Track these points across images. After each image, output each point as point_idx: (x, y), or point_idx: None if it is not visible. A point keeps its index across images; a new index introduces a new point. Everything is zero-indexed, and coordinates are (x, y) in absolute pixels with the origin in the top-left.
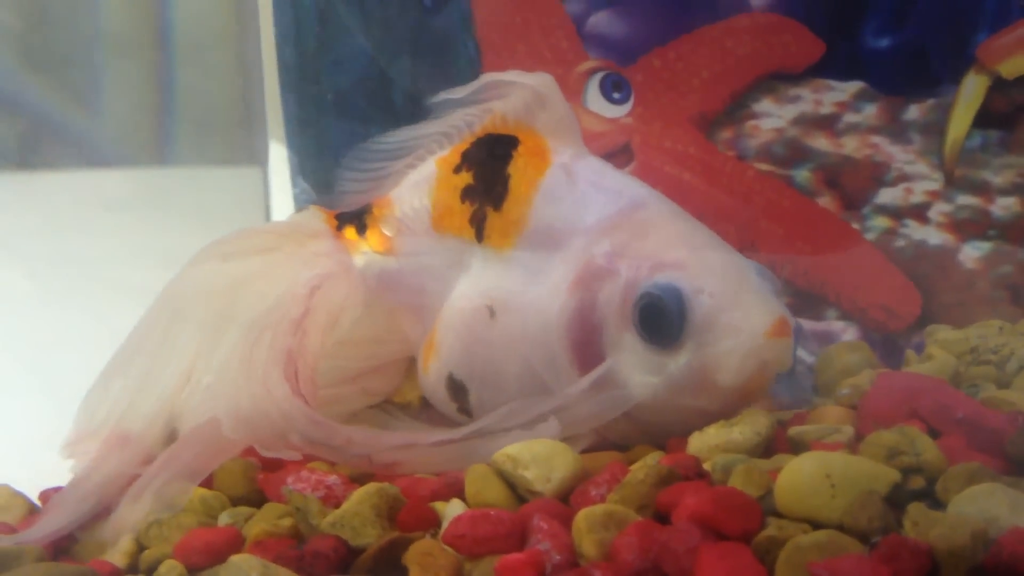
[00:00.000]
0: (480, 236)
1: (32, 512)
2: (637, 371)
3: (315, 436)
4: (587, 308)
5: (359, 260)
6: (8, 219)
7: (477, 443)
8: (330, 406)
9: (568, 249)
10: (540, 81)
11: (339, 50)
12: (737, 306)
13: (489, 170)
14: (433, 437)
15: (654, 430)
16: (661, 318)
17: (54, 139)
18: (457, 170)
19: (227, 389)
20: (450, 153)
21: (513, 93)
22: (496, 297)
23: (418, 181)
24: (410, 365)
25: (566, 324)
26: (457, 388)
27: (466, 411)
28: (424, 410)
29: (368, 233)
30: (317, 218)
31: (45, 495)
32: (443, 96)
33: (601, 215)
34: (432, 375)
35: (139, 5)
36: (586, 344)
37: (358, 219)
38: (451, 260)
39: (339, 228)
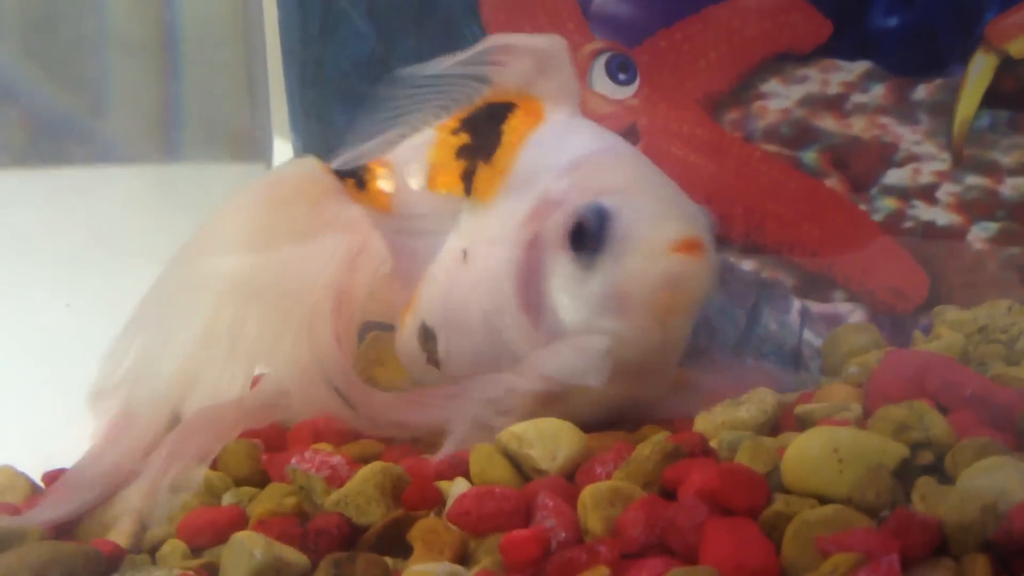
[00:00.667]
0: (469, 189)
1: (35, 493)
2: (565, 293)
3: (341, 385)
4: (534, 240)
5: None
6: (19, 215)
7: (465, 431)
8: None
9: (536, 190)
10: (548, 43)
11: (342, 33)
12: (651, 222)
13: (484, 129)
14: (415, 397)
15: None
16: (584, 233)
17: (62, 136)
18: (455, 132)
19: (286, 358)
20: (450, 120)
21: (516, 60)
22: (471, 242)
23: (417, 144)
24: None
25: (514, 259)
26: (427, 336)
27: (434, 360)
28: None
29: (367, 187)
30: (318, 170)
31: (48, 476)
32: (446, 61)
33: (570, 157)
34: (407, 330)
35: (145, 3)
36: (529, 277)
37: (356, 175)
38: (443, 219)
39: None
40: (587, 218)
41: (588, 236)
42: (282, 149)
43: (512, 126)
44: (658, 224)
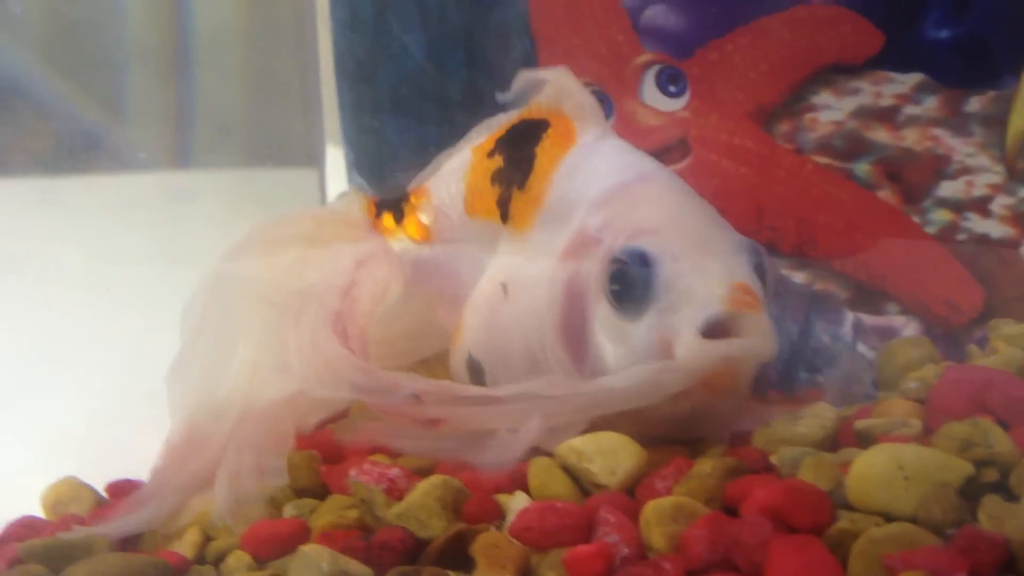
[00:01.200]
0: (505, 217)
1: (99, 504)
2: (609, 341)
3: (363, 382)
4: (572, 280)
5: (396, 247)
6: (53, 222)
7: (520, 406)
8: None
9: (572, 223)
10: (555, 74)
11: (395, 45)
12: (697, 271)
13: (518, 152)
14: (479, 392)
15: (647, 426)
16: (626, 282)
17: (111, 145)
18: (490, 155)
19: (278, 360)
20: (485, 140)
21: (542, 85)
22: (511, 275)
23: (454, 168)
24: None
25: (554, 298)
26: (475, 368)
27: None
28: None
29: (405, 221)
30: (356, 205)
31: (112, 487)
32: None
33: (603, 188)
34: (456, 358)
35: (204, 11)
36: (570, 317)
37: (396, 207)
38: (483, 244)
39: (377, 215)
40: (627, 264)
41: (629, 284)
42: (334, 155)
43: (544, 148)
44: (704, 273)
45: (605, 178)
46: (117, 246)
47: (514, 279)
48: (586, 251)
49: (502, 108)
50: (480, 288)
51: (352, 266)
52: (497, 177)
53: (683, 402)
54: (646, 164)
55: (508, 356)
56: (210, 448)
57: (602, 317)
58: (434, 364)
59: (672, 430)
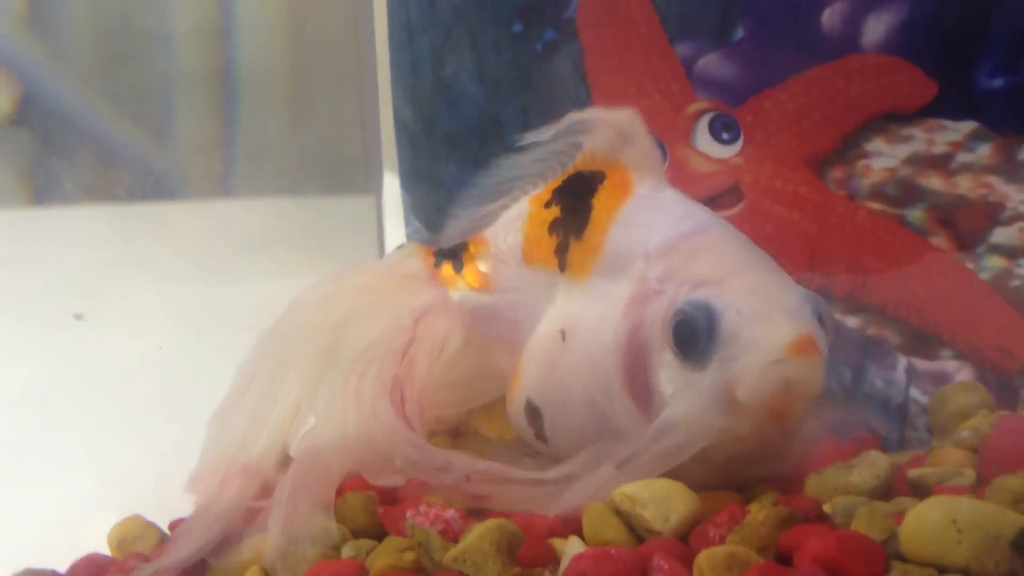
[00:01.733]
0: (563, 266)
1: (163, 541)
2: (674, 389)
3: (417, 459)
4: (636, 330)
5: (456, 296)
6: (127, 247)
7: (567, 487)
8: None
9: (631, 272)
10: (623, 116)
11: (453, 94)
12: (762, 322)
13: (575, 202)
14: (527, 474)
15: (713, 467)
16: (691, 334)
17: (172, 173)
18: (547, 205)
19: (335, 418)
20: (543, 191)
21: (599, 129)
22: (569, 322)
23: (512, 218)
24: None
25: (618, 346)
26: (534, 413)
27: (542, 436)
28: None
29: (464, 270)
30: (414, 255)
31: (175, 524)
32: (531, 137)
33: (662, 239)
34: (514, 402)
35: (263, 39)
36: (634, 366)
37: (455, 256)
38: (540, 293)
39: (436, 265)
40: (691, 316)
41: (694, 335)
42: (391, 183)
43: (601, 199)
44: (769, 325)
45: (663, 229)
46: (188, 280)
47: (572, 327)
48: (648, 302)
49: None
50: (538, 335)
51: (411, 323)
52: (555, 227)
53: (748, 440)
54: (703, 215)
55: (567, 402)
56: (253, 476)
57: (667, 366)
58: (490, 409)
59: (737, 471)
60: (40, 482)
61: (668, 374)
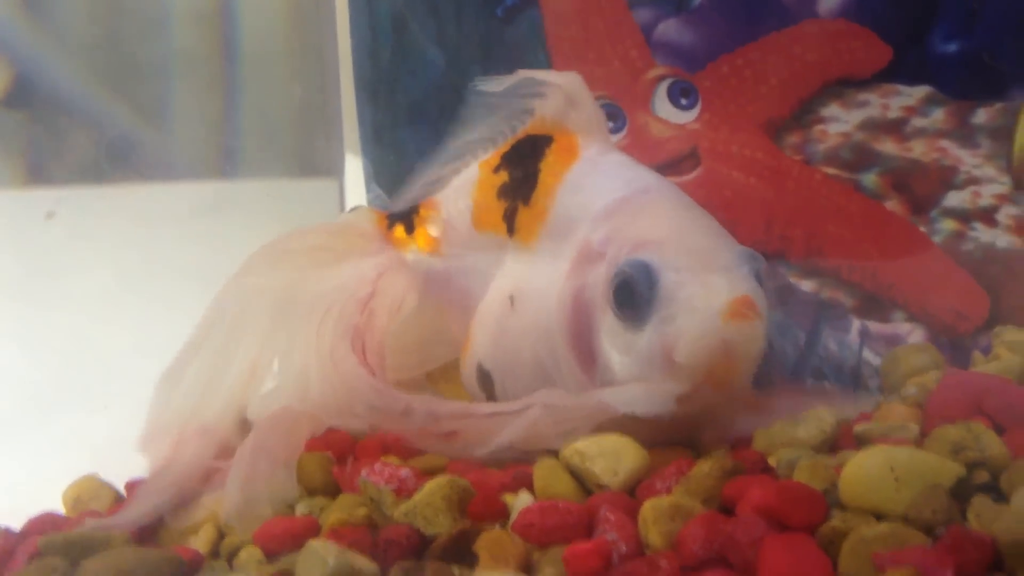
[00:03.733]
0: (511, 231)
1: (118, 501)
2: (614, 350)
3: (378, 404)
4: (579, 292)
5: (408, 258)
6: (89, 231)
7: (529, 418)
8: None
9: (577, 237)
10: (568, 80)
11: (414, 60)
12: (699, 284)
13: (522, 167)
14: (489, 408)
15: (655, 427)
16: (629, 294)
17: (135, 153)
18: (496, 170)
19: (295, 367)
20: (492, 156)
21: (548, 92)
22: (518, 288)
23: (462, 183)
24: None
25: (562, 309)
26: (485, 378)
27: (493, 400)
28: None
29: (416, 233)
30: (367, 218)
31: (130, 485)
32: (484, 87)
33: (606, 202)
34: (467, 367)
35: (216, 21)
36: (579, 328)
37: (406, 219)
38: (490, 257)
39: (389, 227)
40: (630, 276)
41: (633, 295)
42: (354, 165)
43: (548, 164)
44: (706, 286)
45: (607, 192)
46: (143, 255)
47: (521, 291)
48: (591, 264)
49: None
50: (487, 300)
51: (373, 277)
52: (503, 192)
53: (688, 403)
54: (647, 178)
55: (516, 366)
56: (210, 438)
57: (608, 327)
58: (449, 371)
59: (679, 432)
60: None
61: (609, 335)
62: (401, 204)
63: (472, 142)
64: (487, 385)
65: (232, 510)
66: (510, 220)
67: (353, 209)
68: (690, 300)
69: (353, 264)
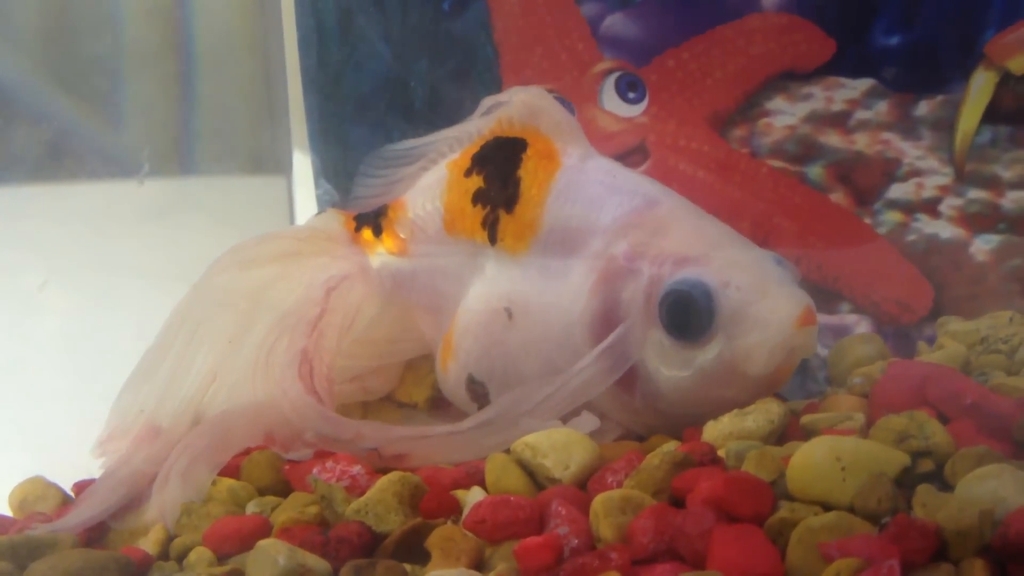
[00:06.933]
0: (493, 239)
1: (66, 503)
2: (665, 367)
3: (326, 431)
4: (610, 308)
5: (375, 261)
6: (35, 230)
7: (483, 434)
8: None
9: (586, 250)
10: (532, 93)
11: (360, 54)
12: (764, 298)
13: (499, 173)
14: (440, 429)
15: (684, 422)
16: (689, 313)
17: (78, 150)
18: (467, 173)
19: (246, 391)
20: (460, 156)
21: (512, 100)
22: (514, 300)
23: (430, 184)
24: (413, 365)
25: (589, 324)
26: (477, 389)
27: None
28: (433, 409)
29: (384, 235)
30: (335, 221)
31: (78, 486)
32: (450, 133)
33: (616, 215)
34: (452, 376)
35: (161, 16)
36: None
37: (374, 221)
38: (464, 262)
39: (357, 229)
40: (687, 295)
41: (689, 314)
42: (302, 162)
43: (529, 170)
44: (775, 303)
45: (611, 204)
46: (91, 253)
47: (519, 304)
48: (622, 281)
49: (463, 117)
50: (473, 308)
51: (323, 295)
52: (480, 198)
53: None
54: (645, 185)
55: (520, 379)
56: (163, 440)
57: (655, 344)
58: (391, 370)
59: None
60: None
61: (658, 352)
62: (367, 205)
63: (436, 141)
64: (480, 396)
65: (155, 507)
66: (491, 228)
67: (321, 212)
68: (759, 315)
69: (308, 280)
